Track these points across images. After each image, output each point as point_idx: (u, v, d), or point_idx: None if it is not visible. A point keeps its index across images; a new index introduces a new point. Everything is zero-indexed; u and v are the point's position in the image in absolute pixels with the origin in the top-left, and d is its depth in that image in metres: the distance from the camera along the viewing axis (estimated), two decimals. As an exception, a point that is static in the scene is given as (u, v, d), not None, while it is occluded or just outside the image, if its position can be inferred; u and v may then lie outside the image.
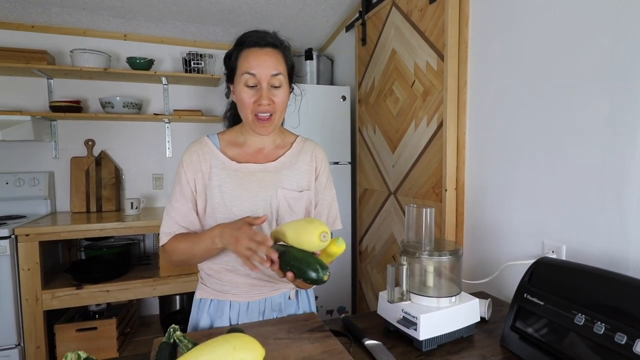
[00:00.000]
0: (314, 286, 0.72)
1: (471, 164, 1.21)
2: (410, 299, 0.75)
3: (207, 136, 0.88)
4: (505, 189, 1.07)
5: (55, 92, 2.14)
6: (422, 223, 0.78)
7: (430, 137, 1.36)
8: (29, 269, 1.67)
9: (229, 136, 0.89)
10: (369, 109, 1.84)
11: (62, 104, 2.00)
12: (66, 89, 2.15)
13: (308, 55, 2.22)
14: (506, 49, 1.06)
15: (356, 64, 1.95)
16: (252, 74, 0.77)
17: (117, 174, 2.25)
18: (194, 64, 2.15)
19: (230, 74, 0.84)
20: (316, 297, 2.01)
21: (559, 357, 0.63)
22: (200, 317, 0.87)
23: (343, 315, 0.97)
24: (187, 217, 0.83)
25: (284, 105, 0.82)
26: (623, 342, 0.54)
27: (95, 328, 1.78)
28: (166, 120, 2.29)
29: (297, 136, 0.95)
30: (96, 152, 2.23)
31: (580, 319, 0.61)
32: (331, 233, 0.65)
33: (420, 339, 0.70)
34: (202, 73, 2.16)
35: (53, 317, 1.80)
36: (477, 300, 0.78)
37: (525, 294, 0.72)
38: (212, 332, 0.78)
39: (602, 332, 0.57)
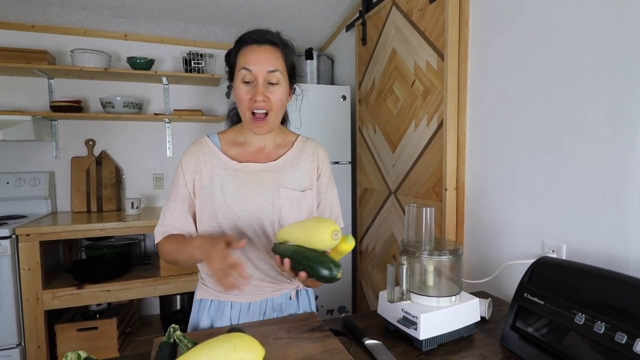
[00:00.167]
0: (324, 284, 0.71)
1: (471, 164, 1.21)
2: (410, 299, 0.75)
3: (208, 136, 0.88)
4: (506, 189, 1.07)
5: (55, 92, 2.14)
6: (422, 222, 0.78)
7: (431, 137, 1.36)
8: (29, 269, 1.67)
9: (229, 136, 0.89)
10: (369, 108, 1.84)
11: (63, 103, 2.01)
12: (67, 89, 2.15)
13: (308, 54, 2.22)
14: (506, 48, 1.06)
15: (356, 64, 1.95)
16: (249, 70, 0.77)
17: (118, 173, 2.25)
18: (195, 63, 2.15)
19: (231, 72, 0.84)
20: (316, 297, 2.01)
21: (559, 356, 0.63)
22: (200, 317, 0.87)
23: (343, 314, 0.97)
24: (179, 219, 0.84)
25: (280, 104, 0.81)
26: (623, 342, 0.54)
27: (96, 328, 1.78)
28: (167, 120, 2.29)
29: (298, 135, 0.94)
30: (97, 152, 2.23)
31: (580, 319, 0.61)
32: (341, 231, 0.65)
33: (421, 338, 0.70)
34: (203, 73, 2.16)
35: (54, 317, 1.80)
36: (477, 299, 0.78)
37: (525, 294, 0.72)
38: (212, 332, 0.78)
39: (602, 332, 0.57)
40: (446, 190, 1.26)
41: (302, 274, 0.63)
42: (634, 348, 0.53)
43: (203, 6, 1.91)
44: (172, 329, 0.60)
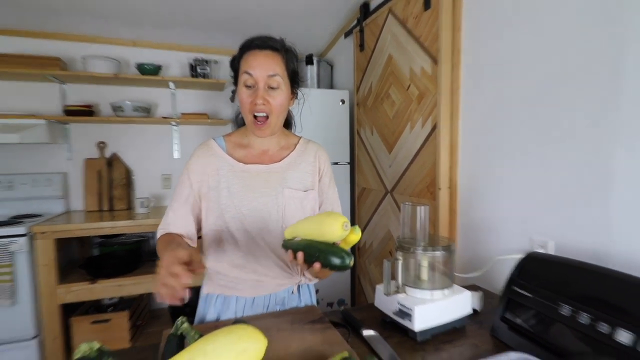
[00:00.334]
0: (334, 274, 0.71)
1: (464, 164, 1.22)
2: (405, 292, 0.76)
3: (214, 139, 0.88)
4: (496, 188, 1.08)
5: (68, 96, 2.14)
6: (416, 220, 0.78)
7: (425, 139, 1.36)
8: (45, 265, 1.68)
9: (234, 138, 0.89)
10: (366, 111, 1.84)
11: (75, 108, 2.01)
12: (79, 94, 2.16)
13: (309, 60, 2.22)
14: (497, 54, 1.06)
15: (354, 69, 1.95)
16: (250, 74, 0.77)
17: (128, 174, 2.26)
18: (200, 69, 2.16)
19: (235, 76, 0.84)
20: (317, 291, 2.02)
21: (546, 346, 0.64)
22: (207, 311, 0.87)
23: (342, 307, 0.97)
24: (180, 219, 0.83)
25: (281, 107, 0.81)
26: (606, 331, 0.55)
27: (108, 320, 1.79)
28: (174, 123, 2.29)
29: (300, 138, 0.94)
30: (108, 153, 2.24)
31: (566, 310, 0.61)
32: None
33: (415, 329, 0.70)
34: (208, 78, 2.17)
35: (69, 310, 1.81)
36: (468, 292, 0.78)
37: (514, 287, 0.72)
38: (217, 324, 0.78)
39: (586, 322, 0.57)
40: (440, 189, 1.27)
41: (317, 265, 0.63)
42: (615, 337, 0.53)
43: (208, 15, 1.91)
44: (179, 322, 0.60)
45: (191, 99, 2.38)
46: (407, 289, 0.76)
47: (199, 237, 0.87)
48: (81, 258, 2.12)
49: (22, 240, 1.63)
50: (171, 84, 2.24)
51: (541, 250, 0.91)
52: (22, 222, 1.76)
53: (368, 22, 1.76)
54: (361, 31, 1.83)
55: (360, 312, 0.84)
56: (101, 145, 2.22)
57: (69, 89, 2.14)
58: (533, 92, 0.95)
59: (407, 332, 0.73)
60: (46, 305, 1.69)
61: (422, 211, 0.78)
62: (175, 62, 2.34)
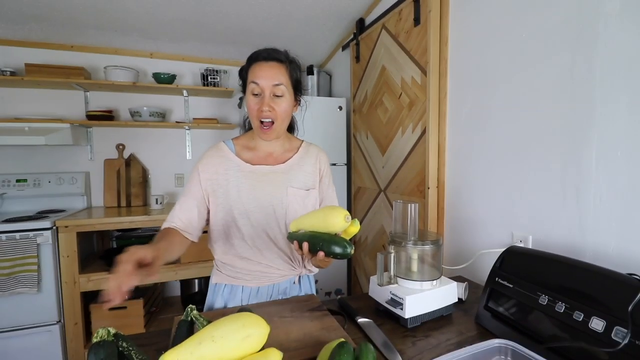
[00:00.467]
0: (333, 263, 0.71)
1: (450, 166, 1.21)
2: (397, 283, 0.75)
3: (224, 141, 0.88)
4: (480, 187, 1.07)
5: (90, 103, 2.13)
6: (407, 216, 0.78)
7: (415, 142, 1.35)
8: (68, 256, 1.67)
9: (242, 141, 0.88)
10: (362, 117, 1.84)
11: (97, 113, 2.00)
12: (100, 100, 2.15)
13: (309, 70, 2.22)
14: (480, 65, 1.06)
15: (351, 79, 1.94)
16: (257, 83, 0.77)
17: (144, 173, 2.25)
18: (211, 78, 2.15)
19: (243, 85, 0.84)
20: (316, 281, 2.01)
21: (525, 332, 0.63)
22: (215, 299, 0.86)
23: (339, 296, 0.96)
24: (185, 212, 0.82)
25: (285, 114, 0.81)
26: (580, 320, 0.54)
27: (125, 307, 1.78)
28: (186, 127, 2.28)
29: (302, 141, 0.94)
30: (126, 154, 2.23)
31: (543, 300, 0.61)
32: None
33: (406, 317, 0.69)
34: (218, 86, 2.16)
35: (89, 298, 1.80)
36: (455, 283, 0.77)
37: (496, 278, 0.72)
38: (224, 312, 0.78)
39: (562, 311, 0.57)
40: (429, 188, 1.26)
41: (321, 253, 0.63)
42: (589, 325, 0.53)
43: (218, 29, 1.90)
44: (189, 309, 0.60)
45: (202, 105, 2.37)
46: (399, 279, 0.75)
47: (205, 232, 0.86)
48: (100, 250, 2.11)
49: (47, 233, 1.62)
50: (184, 92, 2.23)
51: (521, 245, 0.90)
52: (47, 216, 1.75)
53: (363, 36, 1.75)
54: (357, 44, 1.82)
55: (356, 301, 0.84)
56: (120, 147, 2.20)
57: (91, 96, 2.13)
58: (512, 99, 0.94)
59: (398, 320, 0.72)
60: (68, 293, 1.68)
61: (412, 208, 0.77)
62: (188, 72, 2.33)
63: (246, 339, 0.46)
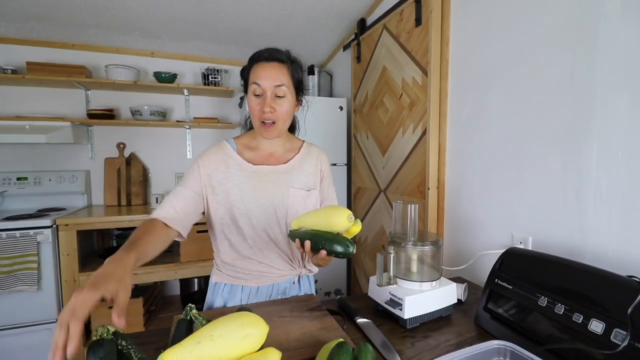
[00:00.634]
0: (332, 262, 0.69)
1: (451, 166, 1.21)
2: (396, 283, 0.75)
3: (226, 140, 0.87)
4: (480, 188, 1.07)
5: (91, 101, 2.13)
6: (407, 217, 0.78)
7: (416, 143, 1.35)
8: (68, 254, 1.67)
9: (244, 140, 0.87)
10: (362, 117, 1.83)
11: (98, 111, 2.00)
12: (101, 99, 2.15)
13: (310, 71, 2.21)
14: (481, 66, 1.05)
15: (352, 79, 1.94)
16: (258, 84, 0.77)
17: (145, 172, 2.25)
18: (212, 78, 2.15)
19: (245, 85, 0.83)
20: (316, 281, 2.01)
21: (524, 334, 0.63)
22: (215, 298, 0.86)
23: (339, 296, 0.96)
24: (180, 202, 0.77)
25: (287, 114, 0.80)
26: (580, 322, 0.54)
27: (125, 306, 1.78)
28: (187, 126, 2.28)
29: (303, 141, 0.94)
30: (126, 153, 2.23)
31: (543, 301, 0.60)
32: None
33: (405, 317, 0.69)
34: (219, 86, 2.16)
35: (89, 296, 1.80)
36: (454, 284, 0.77)
37: (496, 279, 0.72)
38: (224, 311, 0.78)
39: (561, 313, 0.57)
40: (429, 189, 1.26)
41: (323, 252, 0.63)
42: (588, 327, 0.52)
43: (219, 28, 1.90)
44: (188, 308, 0.60)
45: (203, 105, 2.37)
46: (398, 280, 0.75)
47: (205, 231, 0.86)
48: (101, 248, 2.11)
49: (48, 231, 1.62)
50: (185, 91, 2.23)
51: (521, 246, 0.90)
52: (47, 215, 1.75)
53: (364, 36, 1.75)
54: (358, 45, 1.82)
55: (355, 301, 0.84)
56: (121, 146, 2.21)
57: (92, 95, 2.13)
58: (513, 100, 0.94)
59: (397, 320, 0.72)
60: (68, 292, 1.68)
61: (412, 209, 0.77)
62: (189, 71, 2.33)
63: (245, 338, 0.46)
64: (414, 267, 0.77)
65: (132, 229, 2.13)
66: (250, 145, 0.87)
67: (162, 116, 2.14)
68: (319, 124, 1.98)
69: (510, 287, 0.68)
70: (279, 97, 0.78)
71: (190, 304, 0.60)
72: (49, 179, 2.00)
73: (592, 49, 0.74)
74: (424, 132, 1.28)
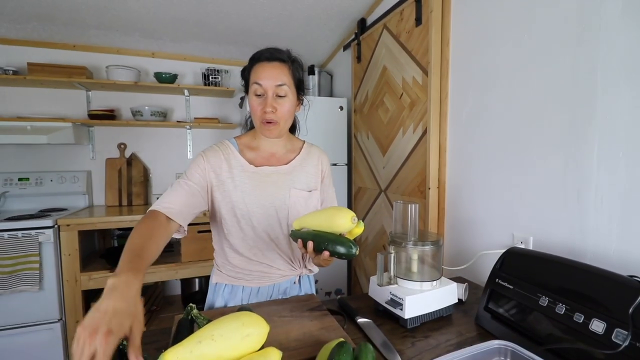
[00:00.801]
0: (334, 262, 0.69)
1: (451, 166, 1.21)
2: (397, 283, 0.75)
3: (227, 140, 0.86)
4: (481, 188, 1.07)
5: (92, 102, 2.14)
6: (407, 217, 0.78)
7: (416, 143, 1.35)
8: (69, 255, 1.67)
9: (244, 140, 0.87)
10: (363, 117, 1.83)
11: (99, 112, 2.01)
12: (102, 100, 2.15)
13: (310, 71, 2.21)
14: (482, 66, 1.05)
15: (352, 79, 1.94)
16: (260, 84, 0.76)
17: (145, 173, 2.25)
18: (212, 78, 2.15)
19: (246, 85, 0.83)
20: (316, 281, 2.01)
21: (525, 334, 0.63)
22: (215, 299, 0.86)
23: (339, 296, 0.97)
24: (181, 196, 0.75)
25: (288, 114, 0.80)
26: (581, 321, 0.54)
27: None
28: (188, 126, 2.29)
29: (304, 142, 0.93)
30: (127, 154, 2.23)
31: (544, 301, 0.60)
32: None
33: (405, 317, 0.69)
34: (219, 86, 2.16)
35: (90, 296, 1.80)
36: (455, 284, 0.77)
37: (497, 279, 0.72)
38: (224, 310, 0.78)
39: (562, 313, 0.57)
40: (429, 189, 1.26)
41: (326, 253, 0.63)
42: (589, 327, 0.52)
43: (219, 29, 1.91)
44: (189, 308, 0.60)
45: (203, 105, 2.38)
46: (399, 280, 0.75)
47: (206, 231, 0.85)
48: (102, 249, 2.11)
49: (49, 231, 1.63)
50: (185, 91, 2.23)
51: (522, 246, 0.90)
52: (49, 215, 1.76)
53: (365, 36, 1.75)
54: (358, 44, 1.82)
55: (356, 301, 0.84)
56: (122, 146, 2.21)
57: (93, 95, 2.14)
58: (513, 99, 0.94)
59: (398, 320, 0.72)
60: (70, 291, 1.69)
61: (412, 209, 0.77)
62: (189, 72, 2.34)
63: (246, 338, 0.46)
64: (415, 267, 0.77)
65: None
66: (251, 146, 0.86)
67: (162, 116, 2.14)
68: (320, 124, 1.98)
69: (511, 287, 0.68)
70: (280, 96, 0.78)
71: (191, 304, 0.61)
72: (50, 179, 2.01)
73: (592, 48, 0.74)
74: (425, 132, 1.28)
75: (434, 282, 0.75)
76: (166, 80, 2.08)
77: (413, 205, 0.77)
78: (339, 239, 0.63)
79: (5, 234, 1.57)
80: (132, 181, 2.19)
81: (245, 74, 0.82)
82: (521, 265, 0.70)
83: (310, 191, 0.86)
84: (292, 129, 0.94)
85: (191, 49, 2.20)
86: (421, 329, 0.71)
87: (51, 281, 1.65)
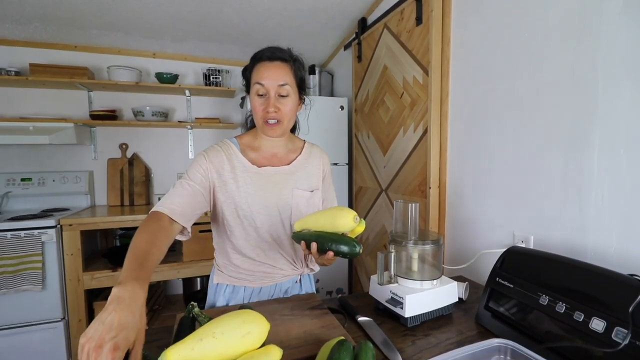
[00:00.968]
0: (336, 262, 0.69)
1: (452, 165, 1.21)
2: (397, 282, 0.75)
3: (228, 140, 0.85)
4: (481, 187, 1.07)
5: (94, 102, 2.15)
6: (408, 216, 0.78)
7: (417, 142, 1.35)
8: (72, 254, 1.68)
9: (246, 140, 0.86)
10: (363, 117, 1.84)
11: (100, 112, 2.02)
12: (104, 100, 2.16)
13: (311, 70, 2.22)
14: (482, 65, 1.05)
15: (353, 78, 1.94)
16: (262, 84, 0.76)
17: (147, 173, 2.26)
18: (213, 78, 2.16)
19: (247, 85, 0.82)
20: (317, 281, 2.01)
21: (525, 332, 0.63)
22: (216, 299, 0.86)
23: (340, 295, 0.97)
24: (183, 197, 0.74)
25: (291, 113, 0.80)
26: (581, 320, 0.54)
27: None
28: (189, 126, 2.29)
29: (305, 141, 0.93)
30: (129, 154, 2.24)
31: (544, 300, 0.60)
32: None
33: (406, 316, 0.70)
34: (220, 86, 2.16)
35: (93, 295, 1.81)
36: (455, 283, 0.77)
37: (497, 278, 0.72)
38: (225, 309, 0.78)
39: (562, 311, 0.57)
40: (430, 188, 1.26)
41: (330, 253, 0.63)
42: (589, 325, 0.52)
43: (220, 28, 1.91)
44: (191, 306, 0.60)
45: (205, 105, 2.38)
46: (399, 279, 0.75)
47: (207, 231, 0.86)
48: (104, 248, 2.12)
49: (52, 231, 1.64)
50: (187, 92, 2.24)
51: (522, 245, 0.90)
52: (51, 215, 1.77)
53: (365, 35, 1.75)
54: (359, 44, 1.82)
55: (356, 300, 0.84)
56: (123, 147, 2.22)
57: (95, 96, 2.15)
58: (514, 98, 0.94)
59: (398, 319, 0.72)
60: (72, 291, 1.70)
61: (412, 208, 0.77)
62: (190, 72, 2.34)
63: (246, 335, 0.46)
64: (415, 265, 0.77)
65: (135, 229, 2.14)
66: (253, 146, 0.86)
67: (164, 117, 2.15)
68: (320, 124, 1.98)
69: (512, 285, 0.68)
70: (282, 96, 0.77)
71: (192, 302, 0.61)
72: (52, 179, 2.02)
73: (593, 46, 0.74)
74: (425, 132, 1.28)
75: (434, 281, 0.75)
76: (167, 80, 2.09)
77: (413, 204, 0.77)
78: (342, 238, 0.63)
79: (9, 234, 1.58)
80: (133, 181, 2.20)
81: (247, 73, 0.82)
82: (521, 264, 0.70)
83: (312, 191, 0.86)
84: (292, 128, 0.94)
85: (192, 49, 2.20)
86: (421, 327, 0.71)
87: (54, 280, 1.66)
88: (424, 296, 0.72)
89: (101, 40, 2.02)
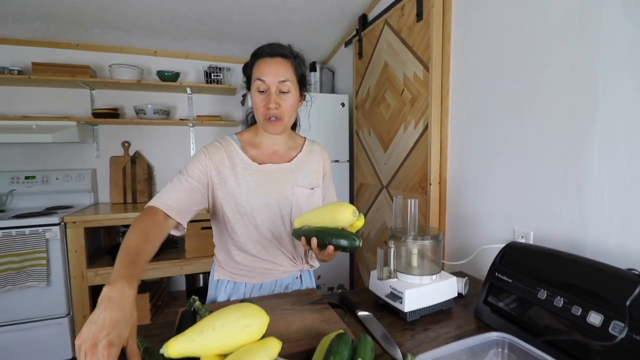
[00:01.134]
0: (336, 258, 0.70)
1: (452, 162, 1.21)
2: (397, 277, 0.76)
3: (229, 136, 0.86)
4: (482, 183, 1.07)
5: (96, 100, 2.16)
6: (407, 212, 0.78)
7: (417, 138, 1.35)
8: (76, 251, 1.70)
9: (246, 137, 0.86)
10: (364, 114, 1.83)
11: (103, 111, 2.03)
12: (106, 98, 2.17)
13: (312, 67, 2.21)
14: (483, 61, 1.05)
15: (354, 75, 1.94)
16: (262, 80, 0.76)
17: (149, 170, 2.28)
18: (214, 76, 2.16)
19: (248, 81, 0.82)
20: (318, 277, 2.02)
21: (524, 326, 0.63)
22: (217, 294, 0.86)
23: (340, 290, 0.97)
24: (180, 192, 0.74)
25: (292, 109, 0.80)
26: (578, 314, 0.54)
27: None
28: (190, 124, 2.30)
29: (305, 139, 0.93)
30: (131, 152, 2.26)
31: (542, 294, 0.61)
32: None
33: (405, 310, 0.70)
34: (221, 84, 2.17)
35: (97, 292, 1.83)
36: (454, 278, 0.78)
37: (496, 273, 0.72)
38: (226, 303, 0.78)
39: (561, 306, 0.57)
40: (430, 184, 1.26)
41: (330, 248, 0.64)
42: (587, 319, 0.53)
43: (221, 26, 1.91)
44: (192, 300, 0.61)
45: (206, 103, 2.39)
46: (399, 274, 0.76)
47: (209, 228, 0.86)
48: (107, 245, 2.14)
49: (56, 229, 1.66)
50: (188, 89, 2.25)
51: (522, 240, 0.90)
52: (55, 212, 1.79)
53: (366, 32, 1.74)
54: (360, 40, 1.81)
55: (356, 295, 0.84)
56: (126, 144, 2.23)
57: (97, 94, 2.16)
58: (514, 94, 0.93)
59: (398, 313, 0.73)
60: (77, 287, 1.72)
61: (412, 203, 0.77)
62: (191, 70, 2.35)
63: (246, 328, 0.47)
64: (415, 261, 0.77)
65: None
66: (253, 142, 0.86)
67: (165, 114, 2.16)
68: (321, 121, 1.98)
69: (510, 280, 0.68)
70: (283, 92, 0.77)
71: (193, 296, 0.62)
72: (56, 177, 2.03)
73: (593, 42, 0.73)
74: (426, 128, 1.28)
75: (434, 276, 0.75)
76: (169, 78, 2.10)
77: (412, 200, 0.77)
78: (342, 232, 0.64)
79: (13, 231, 1.60)
80: (136, 179, 2.22)
81: (248, 70, 0.81)
82: (520, 259, 0.70)
83: (312, 188, 0.86)
84: (293, 125, 0.94)
85: (193, 46, 2.21)
86: (421, 322, 0.72)
87: (58, 277, 1.68)
88: (423, 291, 0.72)
89: (103, 38, 2.03)
